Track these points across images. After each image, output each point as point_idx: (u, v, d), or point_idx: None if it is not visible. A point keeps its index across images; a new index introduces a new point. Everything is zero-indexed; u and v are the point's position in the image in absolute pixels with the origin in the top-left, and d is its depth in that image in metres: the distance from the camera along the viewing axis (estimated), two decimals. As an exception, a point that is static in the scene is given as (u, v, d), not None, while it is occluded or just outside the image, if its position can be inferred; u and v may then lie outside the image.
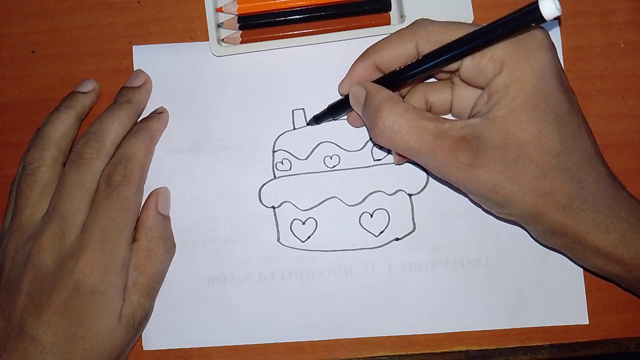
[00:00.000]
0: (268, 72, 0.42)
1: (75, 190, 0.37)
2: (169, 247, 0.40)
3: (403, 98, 0.39)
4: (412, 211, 0.41)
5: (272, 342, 0.41)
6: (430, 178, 0.41)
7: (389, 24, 0.42)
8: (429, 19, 0.36)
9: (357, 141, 0.42)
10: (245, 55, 0.42)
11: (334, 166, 0.42)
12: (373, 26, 0.42)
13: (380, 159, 0.42)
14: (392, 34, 0.37)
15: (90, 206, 0.37)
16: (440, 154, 0.33)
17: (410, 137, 0.34)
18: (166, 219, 0.41)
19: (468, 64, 0.34)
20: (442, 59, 0.34)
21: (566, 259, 0.40)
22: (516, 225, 0.40)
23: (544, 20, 0.30)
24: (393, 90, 0.36)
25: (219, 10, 0.42)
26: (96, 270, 0.36)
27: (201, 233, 0.41)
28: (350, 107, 0.38)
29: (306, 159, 0.42)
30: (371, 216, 0.41)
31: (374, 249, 0.41)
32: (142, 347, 0.41)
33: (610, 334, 0.41)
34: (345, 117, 0.42)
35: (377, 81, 0.37)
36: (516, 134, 0.32)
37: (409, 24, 0.37)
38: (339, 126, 0.42)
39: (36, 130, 0.40)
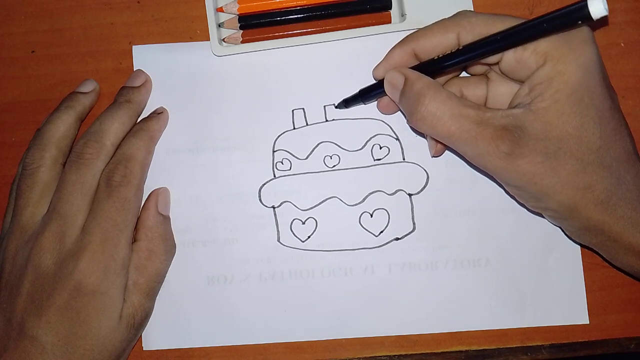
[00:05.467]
0: (268, 72, 0.42)
1: (75, 190, 0.37)
2: (169, 248, 0.40)
3: None
4: (412, 211, 0.41)
5: (272, 342, 0.41)
6: (430, 178, 0.41)
7: (390, 22, 0.42)
8: (472, 11, 0.37)
9: (357, 141, 0.42)
10: (245, 55, 0.42)
11: (334, 166, 0.42)
12: (374, 25, 0.42)
13: (380, 159, 0.42)
14: (434, 24, 0.37)
15: (91, 206, 0.37)
16: (481, 141, 0.33)
17: (452, 124, 0.34)
18: (166, 219, 0.41)
19: (509, 57, 0.34)
20: (485, 50, 0.34)
21: (566, 259, 0.41)
22: (537, 216, 0.40)
23: (591, 20, 0.30)
24: None
25: (219, 10, 0.42)
26: (96, 271, 0.36)
27: (201, 233, 0.41)
28: (383, 92, 0.38)
29: (306, 158, 0.42)
30: (371, 216, 0.41)
31: (374, 249, 0.41)
32: (142, 347, 0.41)
33: (610, 334, 0.41)
34: (346, 111, 0.42)
35: (414, 68, 0.37)
36: (558, 126, 0.33)
37: (451, 15, 0.37)
38: (339, 126, 0.42)
39: (36, 130, 0.40)
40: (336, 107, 0.42)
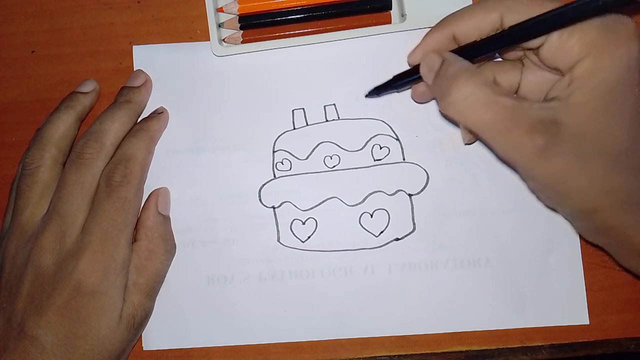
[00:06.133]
0: (268, 72, 0.42)
1: (75, 190, 0.37)
2: (170, 248, 0.40)
3: None
4: (412, 211, 0.41)
5: (272, 342, 0.41)
6: (430, 178, 0.41)
7: (390, 23, 0.42)
8: None
9: (357, 141, 0.42)
10: (245, 55, 0.42)
11: (334, 166, 0.42)
12: (374, 25, 0.42)
13: (380, 159, 0.42)
14: (474, 4, 0.35)
15: (91, 206, 0.37)
16: (516, 133, 0.31)
17: (487, 111, 0.32)
18: (166, 219, 0.41)
19: (553, 41, 0.32)
20: (531, 31, 0.32)
21: (566, 259, 0.41)
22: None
23: None
24: None
25: (219, 10, 0.42)
26: (96, 271, 0.36)
27: (201, 233, 0.41)
28: (417, 78, 0.37)
29: (306, 159, 0.42)
30: (371, 216, 0.41)
31: (374, 249, 0.41)
32: (142, 347, 0.41)
33: (610, 334, 0.41)
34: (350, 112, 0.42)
35: (454, 52, 0.35)
36: (592, 123, 0.31)
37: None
38: (339, 126, 0.42)
39: (36, 130, 0.40)
40: (366, 96, 0.41)
